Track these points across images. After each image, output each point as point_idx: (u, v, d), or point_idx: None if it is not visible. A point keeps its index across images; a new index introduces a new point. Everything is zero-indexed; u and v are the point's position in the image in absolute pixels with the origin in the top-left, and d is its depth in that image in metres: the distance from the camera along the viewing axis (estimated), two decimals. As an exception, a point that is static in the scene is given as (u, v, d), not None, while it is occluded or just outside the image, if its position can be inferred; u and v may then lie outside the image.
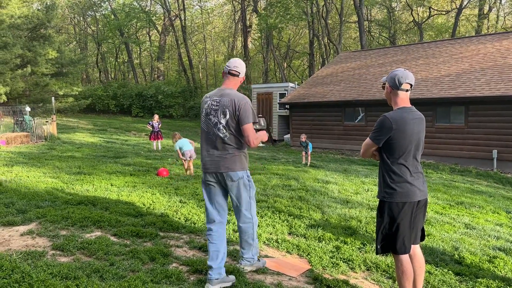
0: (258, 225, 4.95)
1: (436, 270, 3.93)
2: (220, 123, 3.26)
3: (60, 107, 24.78)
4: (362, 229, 5.06)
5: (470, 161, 13.51)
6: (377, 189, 3.11)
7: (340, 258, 4.05)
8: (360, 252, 4.29)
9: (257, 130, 3.43)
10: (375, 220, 3.19)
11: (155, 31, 40.89)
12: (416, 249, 3.08)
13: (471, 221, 5.95)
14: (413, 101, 3.40)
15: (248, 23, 35.33)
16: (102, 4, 38.78)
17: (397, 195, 2.90)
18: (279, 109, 20.42)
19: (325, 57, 32.33)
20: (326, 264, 3.89)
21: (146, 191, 6.47)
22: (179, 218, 5.05)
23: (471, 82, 13.97)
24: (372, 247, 4.36)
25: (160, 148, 13.77)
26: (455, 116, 14.07)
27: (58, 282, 3.00)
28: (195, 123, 27.59)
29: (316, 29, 30.49)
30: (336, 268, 3.82)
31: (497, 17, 35.07)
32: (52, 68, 24.14)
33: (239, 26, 38.10)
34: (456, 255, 4.34)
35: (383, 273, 3.82)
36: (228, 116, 3.24)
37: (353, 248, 4.35)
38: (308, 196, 6.87)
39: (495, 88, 13.00)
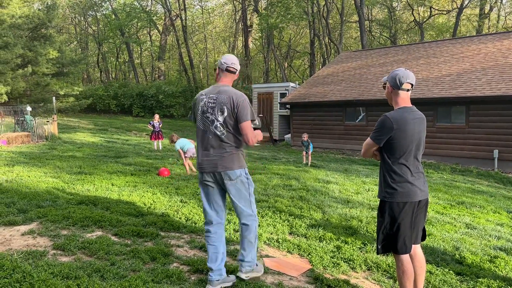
0: (259, 225, 4.95)
1: (437, 270, 3.92)
2: (218, 120, 3.17)
3: (61, 107, 24.81)
4: (363, 229, 5.06)
5: (471, 161, 13.50)
6: (377, 189, 3.11)
7: (341, 258, 4.05)
8: (361, 252, 4.29)
9: (254, 129, 3.35)
10: (376, 220, 3.19)
11: (156, 31, 40.91)
12: (417, 249, 3.07)
13: (472, 221, 5.94)
14: (414, 101, 3.40)
15: (249, 23, 35.34)
16: (103, 4, 38.83)
17: (398, 195, 2.90)
18: (280, 109, 20.42)
19: (326, 57, 32.33)
20: (327, 264, 3.89)
21: (147, 191, 6.47)
22: (180, 218, 5.05)
23: (472, 82, 13.96)
24: (373, 247, 4.36)
25: (161, 148, 13.78)
26: (456, 116, 14.06)
27: (59, 281, 3.00)
28: (196, 123, 27.54)
29: (317, 29, 30.47)
30: (337, 268, 3.81)
31: (498, 16, 35.02)
32: (53, 68, 24.18)
33: (240, 26, 38.10)
34: (457, 255, 4.34)
35: (384, 273, 3.82)
36: (226, 114, 3.15)
37: (354, 248, 4.34)
38: (309, 196, 6.87)
39: (496, 88, 12.99)
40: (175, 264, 3.63)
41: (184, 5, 34.02)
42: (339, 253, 4.17)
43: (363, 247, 4.40)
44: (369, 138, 3.01)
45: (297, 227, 4.96)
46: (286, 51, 38.84)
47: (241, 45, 40.06)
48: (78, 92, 26.33)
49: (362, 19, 27.94)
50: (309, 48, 33.15)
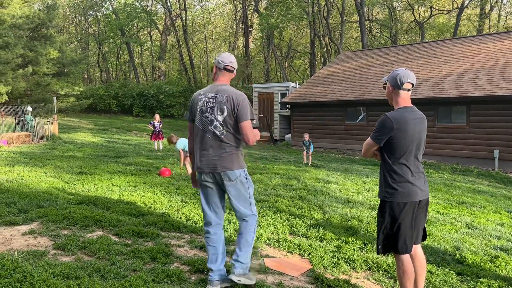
0: (259, 225, 4.95)
1: (438, 270, 3.92)
2: (217, 120, 3.11)
3: (61, 107, 24.82)
4: (363, 229, 5.06)
5: (471, 161, 13.49)
6: (378, 188, 3.11)
7: (341, 257, 4.05)
8: (362, 252, 4.28)
9: None
10: (376, 220, 3.18)
11: (156, 31, 40.92)
12: (417, 248, 3.07)
13: (473, 221, 5.94)
14: (415, 101, 3.39)
15: (249, 22, 35.34)
16: (103, 4, 38.84)
17: (398, 195, 2.89)
18: (281, 109, 20.42)
19: (326, 56, 32.32)
20: (327, 263, 3.89)
21: (147, 191, 6.48)
22: (180, 218, 5.05)
23: (472, 81, 13.95)
24: (373, 246, 4.36)
25: (161, 148, 13.78)
26: (456, 116, 14.06)
27: (59, 281, 3.00)
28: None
29: (317, 29, 30.46)
30: (337, 267, 3.81)
31: (499, 16, 35.00)
32: (54, 68, 24.19)
33: (240, 26, 38.10)
34: (458, 255, 4.33)
35: (385, 273, 3.82)
36: (225, 113, 3.09)
37: (354, 248, 4.34)
38: (309, 195, 6.87)
39: (496, 88, 12.98)
40: (175, 264, 3.63)
41: (185, 5, 34.04)
42: (339, 253, 4.17)
43: (364, 247, 4.39)
44: (369, 138, 3.00)
45: (297, 227, 4.96)
46: (287, 51, 38.83)
47: (242, 45, 40.05)
48: (78, 92, 26.34)
49: (363, 19, 27.94)
50: (310, 48, 33.14)
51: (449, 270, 3.92)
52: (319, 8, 29.67)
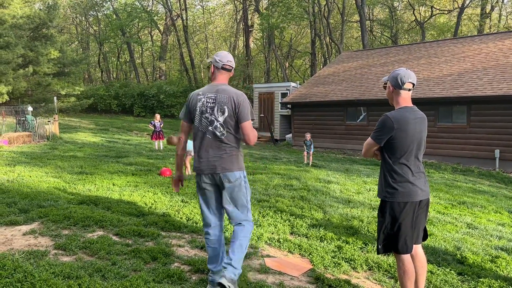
0: (260, 225, 4.95)
1: (438, 269, 3.92)
2: (218, 121, 3.05)
3: (62, 106, 24.83)
4: (364, 228, 5.06)
5: (472, 161, 13.48)
6: (378, 188, 3.10)
7: (342, 257, 4.05)
8: (362, 251, 4.28)
9: None
10: (377, 219, 3.18)
11: (157, 31, 40.94)
12: (418, 248, 3.07)
13: (473, 221, 5.93)
14: (415, 101, 3.39)
15: (250, 22, 35.34)
16: (104, 4, 38.87)
17: (399, 194, 2.89)
18: (281, 109, 20.42)
19: (327, 56, 32.32)
20: (328, 263, 3.88)
21: (148, 191, 6.48)
22: (181, 218, 5.05)
23: (473, 81, 13.94)
24: (374, 246, 4.36)
25: (161, 148, 13.78)
26: (457, 116, 14.05)
27: (60, 281, 3.00)
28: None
29: (318, 29, 30.46)
30: (338, 267, 3.81)
31: (499, 16, 34.97)
32: (54, 68, 24.21)
33: (241, 26, 38.10)
34: (458, 255, 4.33)
35: (385, 272, 3.82)
36: (226, 114, 3.03)
37: (355, 247, 4.34)
38: (310, 195, 6.87)
39: (497, 88, 12.97)
40: (176, 264, 3.63)
41: (185, 5, 34.06)
42: (340, 253, 4.17)
43: (364, 247, 4.39)
44: (370, 137, 3.00)
45: (298, 227, 4.96)
46: (287, 51, 38.82)
47: (242, 45, 40.05)
48: (79, 92, 26.36)
49: (363, 19, 27.93)
50: (310, 48, 33.13)
51: (450, 270, 3.92)
52: (320, 8, 29.66)
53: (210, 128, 3.08)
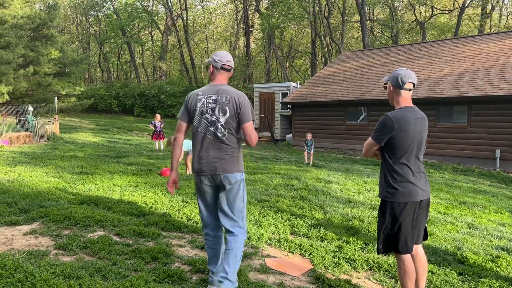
0: (260, 225, 4.95)
1: (439, 269, 3.92)
2: (219, 121, 3.01)
3: (62, 106, 24.84)
4: (365, 228, 5.06)
5: (472, 161, 13.48)
6: (378, 188, 3.10)
7: (343, 257, 4.05)
8: (363, 251, 4.28)
9: None
10: (377, 219, 3.18)
11: (157, 31, 40.94)
12: (418, 248, 3.07)
13: (474, 221, 5.93)
14: (416, 101, 3.39)
15: (250, 22, 35.34)
16: (105, 4, 38.89)
17: (399, 194, 2.89)
18: (281, 109, 20.42)
19: (327, 56, 32.31)
20: (329, 263, 3.88)
21: (148, 191, 6.48)
22: (181, 218, 5.05)
23: (473, 81, 13.93)
24: (374, 246, 4.35)
25: (162, 148, 13.79)
26: (457, 116, 14.04)
27: (60, 281, 3.00)
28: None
29: (318, 29, 30.45)
30: (339, 267, 3.81)
31: (500, 16, 34.96)
32: (55, 68, 24.22)
33: (241, 26, 38.10)
34: (459, 255, 4.33)
35: (386, 272, 3.82)
36: (228, 115, 2.99)
37: (356, 247, 4.34)
38: (310, 195, 6.87)
39: (498, 88, 12.96)
40: (176, 264, 3.63)
41: (186, 5, 34.06)
42: (340, 253, 4.17)
43: (365, 247, 4.39)
44: (370, 137, 3.00)
45: (298, 227, 4.96)
46: (288, 51, 38.83)
47: (243, 45, 40.04)
48: (79, 92, 26.37)
49: (364, 19, 27.93)
50: (311, 48, 33.13)
51: (451, 270, 3.92)
52: (320, 8, 29.66)
53: (211, 128, 3.04)
